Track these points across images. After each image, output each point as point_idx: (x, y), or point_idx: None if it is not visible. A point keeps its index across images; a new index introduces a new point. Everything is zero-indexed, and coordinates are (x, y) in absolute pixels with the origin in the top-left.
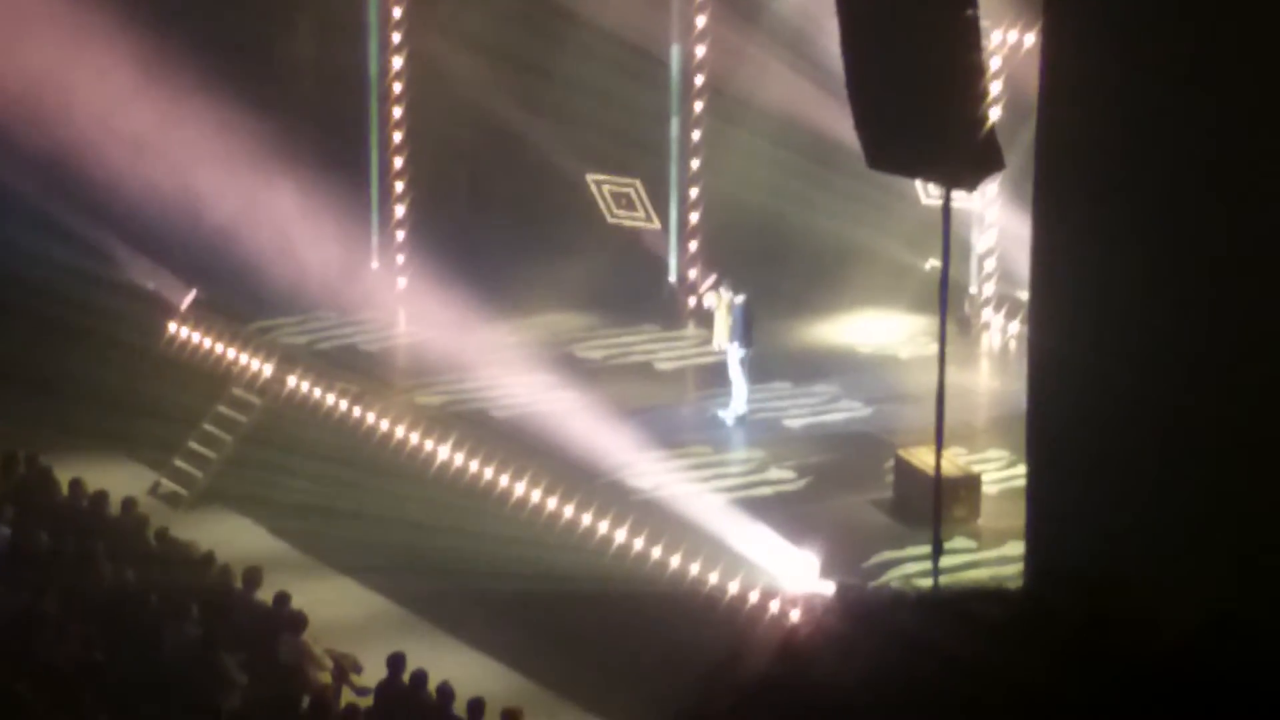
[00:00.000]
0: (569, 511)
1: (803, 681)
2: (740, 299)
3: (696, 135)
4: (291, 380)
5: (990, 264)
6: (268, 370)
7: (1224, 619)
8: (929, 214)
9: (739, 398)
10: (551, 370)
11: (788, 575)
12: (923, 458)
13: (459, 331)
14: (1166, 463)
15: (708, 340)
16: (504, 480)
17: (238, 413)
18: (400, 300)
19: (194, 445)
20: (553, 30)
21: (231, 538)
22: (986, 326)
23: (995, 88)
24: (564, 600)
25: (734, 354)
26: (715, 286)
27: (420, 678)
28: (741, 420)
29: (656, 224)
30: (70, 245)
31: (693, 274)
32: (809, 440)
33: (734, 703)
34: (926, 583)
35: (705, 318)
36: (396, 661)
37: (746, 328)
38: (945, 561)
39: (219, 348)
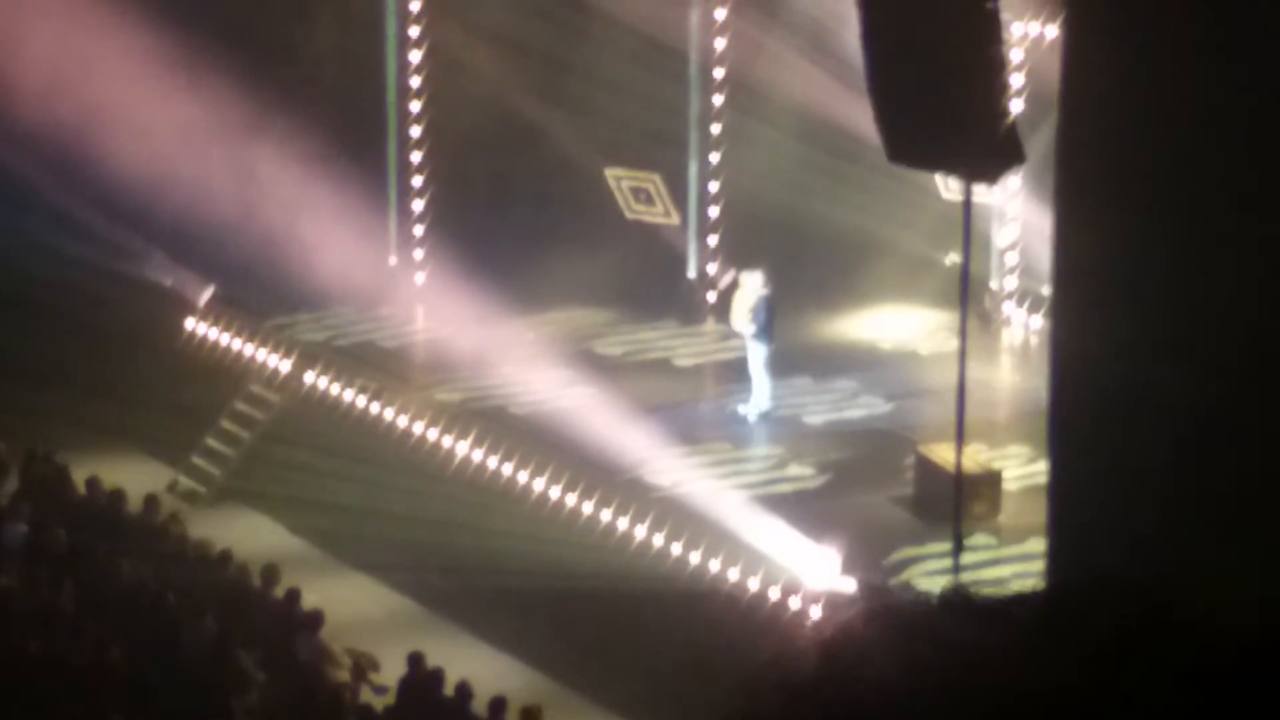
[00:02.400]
0: (588, 509)
1: (852, 681)
2: (764, 293)
3: (716, 129)
4: (310, 377)
5: (1012, 258)
6: (286, 367)
7: (1250, 618)
8: (950, 208)
9: (760, 393)
10: (570, 366)
11: (808, 572)
12: (943, 454)
13: (478, 327)
14: (1189, 459)
15: (727, 335)
16: (523, 477)
17: (256, 410)
18: (419, 296)
19: (212, 442)
20: (572, 24)
21: (249, 535)
22: (1008, 322)
23: (1017, 81)
24: (583, 598)
25: (755, 349)
26: (736, 276)
27: (439, 676)
28: (765, 416)
29: (676, 219)
30: (87, 241)
31: (712, 269)
32: (829, 437)
33: (786, 702)
34: (947, 580)
35: (725, 312)
36: (416, 660)
37: (769, 323)
38: (966, 559)
39: (237, 344)
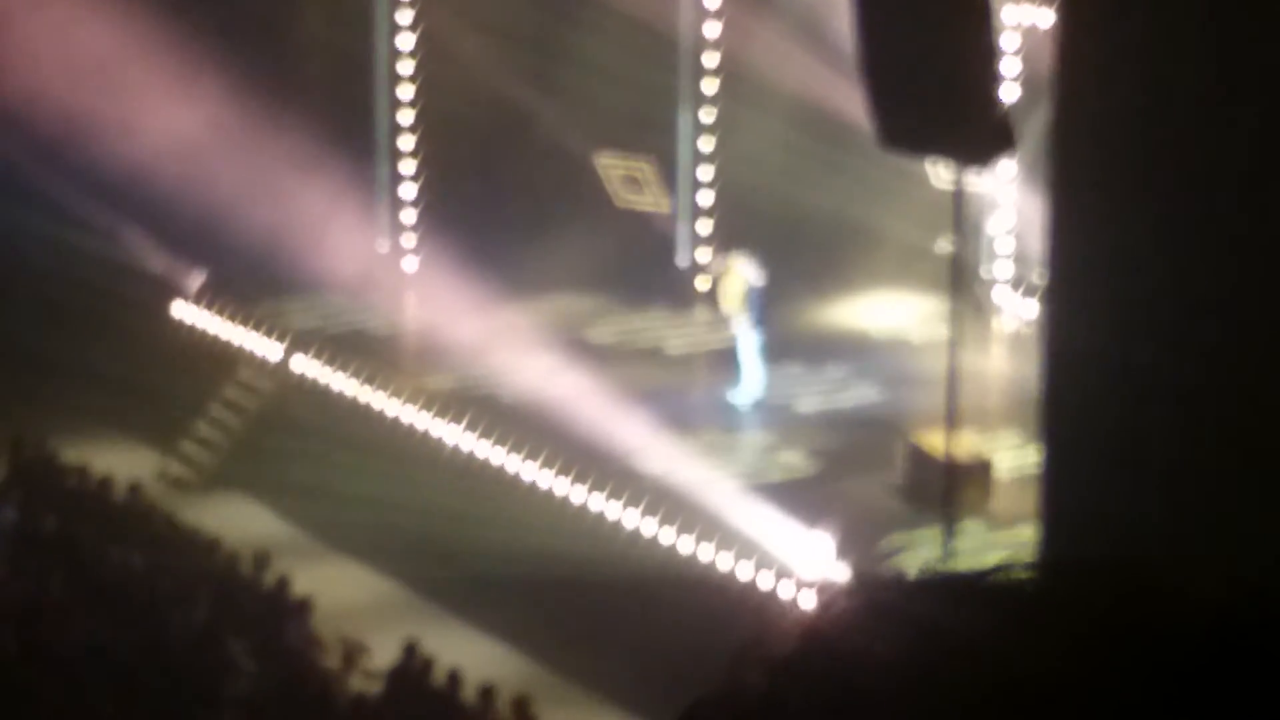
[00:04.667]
0: (579, 496)
1: (836, 660)
2: (759, 281)
3: (707, 116)
4: (300, 363)
5: (1004, 245)
6: (277, 353)
7: (1241, 606)
8: (942, 195)
9: (752, 380)
10: (561, 353)
11: (800, 559)
12: (934, 442)
13: (469, 314)
14: (1182, 446)
15: (718, 323)
16: (514, 464)
17: (246, 396)
18: (409, 282)
19: (202, 429)
20: (563, 9)
21: (240, 522)
22: (1000, 309)
23: (1010, 67)
24: (574, 585)
25: (747, 337)
26: (726, 260)
27: (429, 664)
28: (756, 404)
29: (666, 207)
30: (76, 227)
31: (703, 256)
32: (821, 424)
33: (768, 680)
34: (938, 566)
35: (715, 298)
36: (412, 649)
37: (762, 310)
38: (957, 545)
39: (228, 330)
